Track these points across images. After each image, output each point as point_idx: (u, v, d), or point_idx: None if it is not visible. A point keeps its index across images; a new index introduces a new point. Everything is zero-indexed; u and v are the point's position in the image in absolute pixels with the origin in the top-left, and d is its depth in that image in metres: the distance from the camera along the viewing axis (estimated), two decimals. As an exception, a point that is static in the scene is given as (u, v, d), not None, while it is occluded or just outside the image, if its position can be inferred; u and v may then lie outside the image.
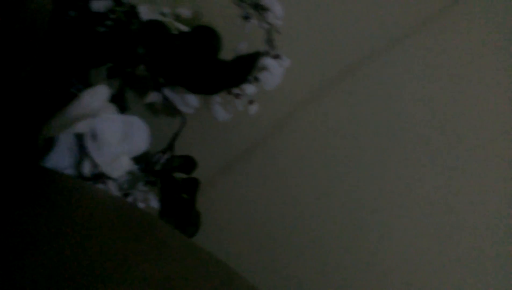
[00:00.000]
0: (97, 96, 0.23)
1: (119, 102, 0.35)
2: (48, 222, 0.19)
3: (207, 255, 0.23)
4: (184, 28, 0.39)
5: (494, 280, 0.44)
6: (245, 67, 0.36)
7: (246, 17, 0.39)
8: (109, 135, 0.24)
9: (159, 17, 0.37)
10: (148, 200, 0.41)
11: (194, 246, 0.24)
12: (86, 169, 0.24)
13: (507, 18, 0.47)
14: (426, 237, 0.45)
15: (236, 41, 0.40)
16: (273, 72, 0.40)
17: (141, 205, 0.40)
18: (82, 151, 0.24)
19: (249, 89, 0.41)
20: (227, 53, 0.39)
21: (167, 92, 0.37)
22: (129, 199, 0.39)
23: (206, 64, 0.33)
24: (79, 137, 0.24)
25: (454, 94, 0.47)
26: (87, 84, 0.28)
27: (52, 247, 0.17)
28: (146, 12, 0.36)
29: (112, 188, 0.27)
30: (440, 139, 0.46)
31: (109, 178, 0.26)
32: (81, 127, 0.22)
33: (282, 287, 0.44)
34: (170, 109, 0.44)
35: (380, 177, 0.45)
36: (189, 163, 0.42)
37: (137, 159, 0.34)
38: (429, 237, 0.45)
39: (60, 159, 0.23)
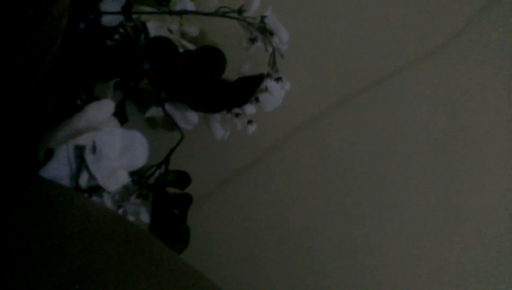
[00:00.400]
0: (102, 110, 0.23)
1: (120, 114, 0.35)
2: (46, 234, 0.19)
3: (199, 274, 0.23)
4: (190, 46, 0.40)
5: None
6: (248, 89, 0.36)
7: (253, 40, 0.40)
8: (109, 148, 0.24)
9: (167, 34, 0.38)
10: (139, 214, 0.40)
11: (187, 264, 0.24)
12: (83, 181, 0.24)
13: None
14: (428, 261, 0.45)
15: (240, 62, 0.41)
16: (274, 94, 0.41)
17: (131, 218, 0.39)
18: (80, 163, 0.24)
19: (249, 109, 0.41)
20: (230, 73, 0.40)
21: (168, 107, 0.37)
22: (120, 211, 0.39)
23: (210, 84, 0.34)
24: (79, 149, 0.24)
25: (451, 128, 0.48)
26: (92, 96, 0.28)
27: (50, 261, 0.17)
28: (154, 28, 0.37)
29: (107, 201, 0.27)
30: (438, 169, 0.47)
31: (105, 191, 0.26)
32: (84, 140, 0.22)
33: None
34: (169, 124, 0.44)
35: (376, 201, 0.46)
36: (183, 178, 0.42)
37: (131, 172, 0.34)
38: (432, 259, 0.45)
39: (58, 170, 0.23)
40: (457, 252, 0.45)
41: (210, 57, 0.35)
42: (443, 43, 0.49)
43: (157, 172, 0.41)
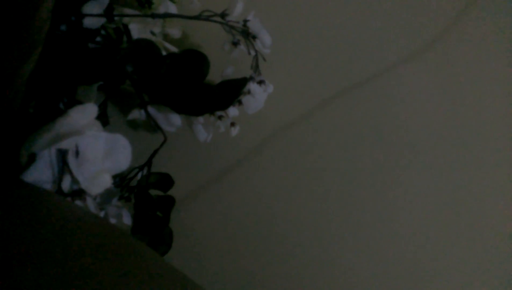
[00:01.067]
0: (86, 114, 0.23)
1: (102, 117, 0.35)
2: (27, 239, 0.19)
3: (184, 276, 0.23)
4: (173, 48, 0.40)
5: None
6: (231, 92, 0.37)
7: (235, 43, 0.40)
8: (93, 152, 0.24)
9: (149, 36, 0.38)
10: (121, 216, 0.40)
11: (171, 267, 0.24)
12: (66, 185, 0.24)
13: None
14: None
15: (223, 65, 0.41)
16: (257, 97, 0.41)
17: (113, 220, 0.39)
18: (63, 167, 0.24)
19: (232, 111, 0.41)
20: (213, 76, 0.40)
21: (151, 109, 0.37)
22: (102, 214, 0.38)
23: (193, 87, 0.34)
24: (61, 153, 0.24)
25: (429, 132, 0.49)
26: (74, 100, 0.28)
27: (31, 267, 0.17)
28: (136, 31, 0.36)
29: (90, 205, 0.27)
30: (424, 172, 0.48)
31: (88, 194, 0.26)
32: (67, 144, 0.22)
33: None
34: (151, 126, 0.44)
35: (359, 200, 0.47)
36: (166, 180, 0.42)
37: (114, 175, 0.34)
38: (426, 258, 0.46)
39: (40, 174, 0.23)
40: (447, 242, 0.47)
41: (194, 60, 0.35)
42: (425, 47, 0.50)
43: (140, 174, 0.41)
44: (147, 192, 0.41)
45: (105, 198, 0.39)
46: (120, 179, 0.41)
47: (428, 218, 0.47)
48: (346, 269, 0.46)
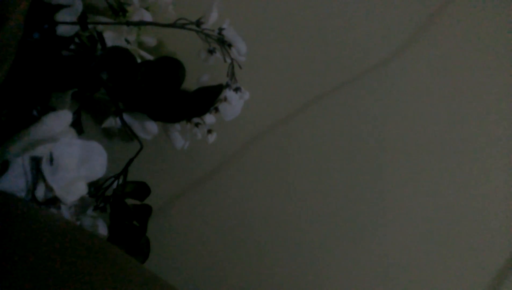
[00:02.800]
0: (60, 121, 0.23)
1: (76, 125, 0.35)
2: (1, 247, 0.18)
3: (162, 280, 0.23)
4: (148, 56, 0.40)
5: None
6: (208, 99, 0.37)
7: (211, 51, 0.40)
8: (67, 159, 0.24)
9: (124, 44, 0.37)
10: (96, 227, 0.39)
11: (148, 270, 0.24)
12: (40, 193, 0.24)
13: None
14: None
15: (198, 73, 0.41)
16: (233, 104, 0.42)
17: (89, 231, 0.38)
18: (37, 175, 0.24)
19: (209, 119, 0.42)
20: (189, 83, 0.40)
21: (127, 117, 0.37)
22: (77, 224, 0.38)
23: (169, 94, 0.34)
24: (35, 161, 0.23)
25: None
26: (48, 107, 0.27)
27: (6, 275, 0.17)
28: (111, 39, 0.36)
29: (65, 213, 0.26)
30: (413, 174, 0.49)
31: (62, 203, 0.25)
32: (41, 151, 0.22)
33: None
34: (127, 134, 0.43)
35: (340, 205, 0.47)
36: (142, 189, 0.42)
37: (88, 184, 0.33)
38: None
39: (14, 182, 0.23)
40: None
41: (169, 67, 0.35)
42: (413, 39, 0.52)
43: (115, 183, 0.40)
44: (123, 202, 0.41)
45: (80, 208, 0.38)
46: (95, 189, 0.40)
47: (426, 218, 0.48)
48: (336, 269, 0.46)
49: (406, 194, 0.49)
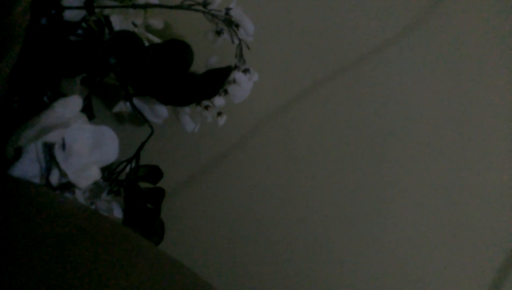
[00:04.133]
0: (70, 106, 0.23)
1: (87, 111, 0.35)
2: (17, 233, 0.19)
3: (178, 263, 0.24)
4: (155, 39, 0.39)
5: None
6: (217, 81, 0.37)
7: (219, 32, 0.40)
8: (79, 145, 0.24)
9: (131, 28, 0.37)
10: (111, 210, 0.40)
11: (165, 254, 0.24)
12: (54, 178, 0.24)
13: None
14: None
15: (207, 55, 0.41)
16: (242, 85, 0.41)
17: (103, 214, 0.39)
18: (50, 161, 0.24)
19: (219, 101, 0.42)
20: (197, 66, 0.40)
21: (136, 101, 0.37)
22: (92, 208, 0.38)
23: (177, 77, 0.34)
24: (48, 147, 0.24)
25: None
26: (58, 93, 0.27)
27: (23, 260, 0.17)
28: (118, 22, 0.36)
29: (80, 198, 0.27)
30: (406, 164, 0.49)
31: (76, 188, 0.26)
32: (53, 137, 0.22)
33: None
34: (137, 118, 0.43)
35: (351, 191, 0.47)
36: (155, 172, 0.42)
37: (102, 168, 0.34)
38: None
39: (28, 168, 0.23)
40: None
41: (177, 50, 0.35)
42: (411, 25, 0.51)
43: (128, 167, 0.41)
44: (137, 185, 0.41)
45: (95, 192, 0.39)
46: (109, 173, 0.41)
47: (423, 213, 0.47)
48: (335, 260, 0.46)
49: (407, 183, 0.48)
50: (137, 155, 0.40)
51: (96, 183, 0.37)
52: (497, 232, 0.47)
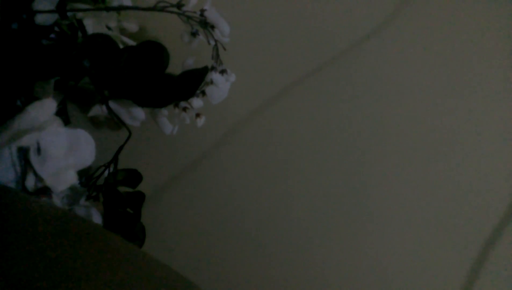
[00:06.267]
0: (44, 109, 0.22)
1: (62, 115, 0.34)
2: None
3: (161, 262, 0.24)
4: (130, 42, 0.39)
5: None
6: (194, 82, 0.37)
7: (194, 34, 0.40)
8: (55, 148, 0.24)
9: (105, 31, 0.37)
10: (91, 216, 0.40)
11: (144, 252, 0.24)
12: (30, 183, 0.24)
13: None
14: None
15: (183, 57, 0.41)
16: (220, 86, 0.42)
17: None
18: (25, 165, 0.24)
19: (196, 102, 0.42)
20: (174, 68, 0.40)
21: (113, 104, 0.37)
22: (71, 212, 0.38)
23: (154, 79, 0.34)
24: (23, 151, 0.23)
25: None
26: (32, 97, 0.27)
27: (4, 259, 0.17)
28: (91, 26, 0.36)
29: (58, 204, 0.26)
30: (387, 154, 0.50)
31: (53, 192, 0.25)
32: (27, 141, 0.22)
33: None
34: (114, 122, 0.43)
35: (332, 187, 0.48)
36: (134, 176, 0.42)
37: (79, 173, 0.33)
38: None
39: (3, 173, 0.23)
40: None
41: (152, 51, 0.35)
42: (389, 18, 0.52)
43: (106, 172, 0.40)
44: (116, 189, 0.41)
45: (73, 198, 0.38)
46: (87, 179, 0.40)
47: (413, 207, 0.48)
48: (320, 256, 0.47)
49: (391, 175, 0.49)
50: (115, 159, 0.40)
51: (74, 189, 0.36)
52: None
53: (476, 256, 0.47)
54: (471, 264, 0.47)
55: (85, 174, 0.40)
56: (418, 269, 0.46)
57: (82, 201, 0.39)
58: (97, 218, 0.39)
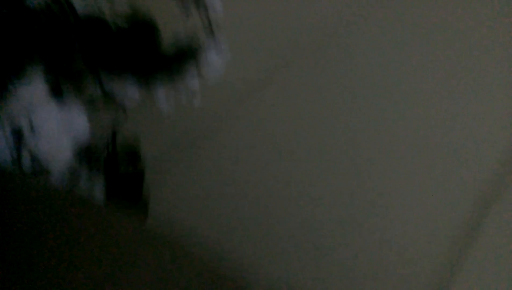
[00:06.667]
0: (35, 90, 0.23)
1: (56, 96, 0.35)
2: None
3: (160, 237, 0.24)
4: (122, 23, 0.39)
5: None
6: (187, 59, 0.37)
7: (188, 12, 0.40)
8: (48, 126, 0.24)
9: (96, 12, 0.37)
10: (93, 197, 0.40)
11: (146, 229, 0.24)
12: (26, 163, 0.24)
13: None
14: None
15: (175, 35, 0.41)
16: (214, 64, 0.42)
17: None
18: (20, 145, 0.24)
19: (192, 81, 0.42)
20: (166, 46, 0.40)
21: (107, 86, 0.37)
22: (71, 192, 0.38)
23: (147, 58, 0.34)
24: (17, 131, 0.24)
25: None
26: (24, 79, 0.27)
27: (6, 237, 0.18)
28: (82, 7, 0.36)
29: (56, 183, 0.27)
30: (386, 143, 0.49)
31: (49, 170, 0.26)
32: (21, 121, 0.23)
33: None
34: (111, 104, 0.43)
35: (329, 166, 0.48)
36: (133, 156, 0.43)
37: (80, 155, 0.34)
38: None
39: (-2, 154, 0.23)
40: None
41: (144, 31, 0.35)
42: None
43: (105, 152, 0.41)
44: (116, 169, 0.42)
45: (74, 180, 0.39)
46: (88, 159, 0.41)
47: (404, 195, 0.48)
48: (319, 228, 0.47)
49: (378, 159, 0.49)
50: (113, 140, 0.40)
51: (74, 170, 0.37)
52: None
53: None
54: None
55: (85, 155, 0.40)
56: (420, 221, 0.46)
57: (84, 181, 0.40)
58: (99, 197, 0.40)
